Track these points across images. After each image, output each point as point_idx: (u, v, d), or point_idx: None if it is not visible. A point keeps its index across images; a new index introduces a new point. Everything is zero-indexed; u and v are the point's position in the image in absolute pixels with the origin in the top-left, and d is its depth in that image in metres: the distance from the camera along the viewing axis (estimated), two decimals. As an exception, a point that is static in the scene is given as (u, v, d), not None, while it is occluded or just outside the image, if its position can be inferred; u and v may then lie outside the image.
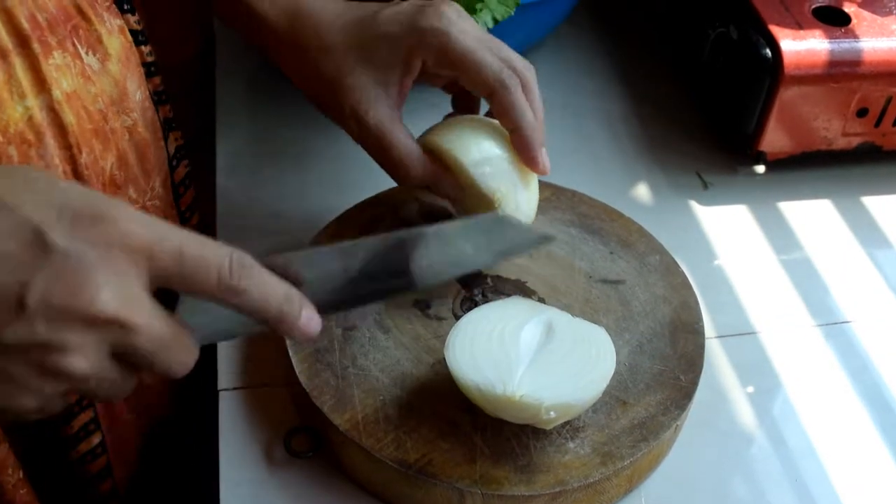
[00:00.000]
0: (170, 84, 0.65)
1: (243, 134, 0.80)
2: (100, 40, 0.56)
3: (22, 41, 0.50)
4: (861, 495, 0.59)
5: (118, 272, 0.39)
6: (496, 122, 0.61)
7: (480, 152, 0.60)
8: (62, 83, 0.52)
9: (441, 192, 0.62)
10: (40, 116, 0.52)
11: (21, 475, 0.57)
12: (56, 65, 0.52)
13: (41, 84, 0.51)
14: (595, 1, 0.96)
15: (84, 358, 0.39)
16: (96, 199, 0.40)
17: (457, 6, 0.60)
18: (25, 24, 0.51)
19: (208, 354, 0.64)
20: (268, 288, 0.44)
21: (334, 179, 0.76)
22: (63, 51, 0.53)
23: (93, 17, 0.55)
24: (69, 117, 0.53)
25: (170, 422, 0.71)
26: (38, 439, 0.59)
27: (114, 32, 0.57)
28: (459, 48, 0.58)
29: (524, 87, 0.59)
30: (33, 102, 0.51)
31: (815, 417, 0.63)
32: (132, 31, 0.60)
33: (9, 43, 0.50)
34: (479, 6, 0.70)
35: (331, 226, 0.66)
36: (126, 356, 0.41)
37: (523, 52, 0.88)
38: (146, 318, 0.40)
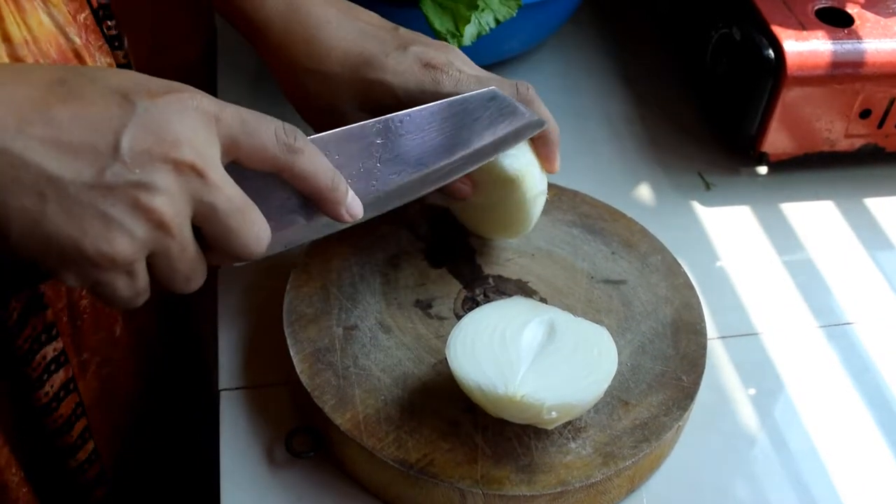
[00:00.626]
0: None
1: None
2: None
3: None
4: (863, 496, 0.58)
5: (194, 129, 0.44)
6: None
7: None
8: None
9: (451, 192, 0.62)
10: None
11: (23, 475, 0.58)
12: None
13: None
14: (597, 1, 0.96)
15: (170, 201, 0.43)
16: (165, 80, 0.46)
17: (458, 53, 0.60)
18: None
19: (208, 355, 0.64)
20: (319, 156, 0.49)
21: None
22: None
23: (87, 59, 0.57)
24: None
25: (147, 423, 0.72)
26: (39, 449, 0.60)
27: None
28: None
29: (529, 103, 0.59)
30: None
31: (817, 418, 0.62)
32: (119, 66, 0.62)
33: None
34: (481, 6, 0.70)
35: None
36: (206, 220, 0.45)
37: (525, 53, 0.89)
38: (221, 178, 0.45)
